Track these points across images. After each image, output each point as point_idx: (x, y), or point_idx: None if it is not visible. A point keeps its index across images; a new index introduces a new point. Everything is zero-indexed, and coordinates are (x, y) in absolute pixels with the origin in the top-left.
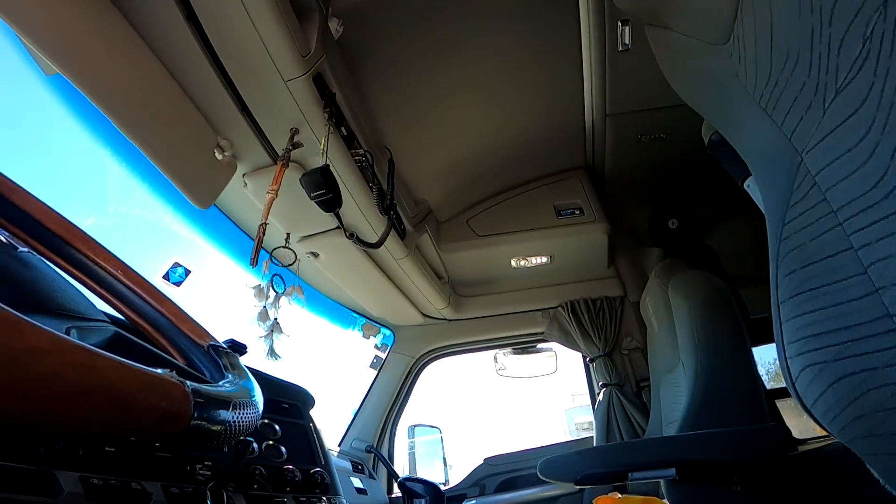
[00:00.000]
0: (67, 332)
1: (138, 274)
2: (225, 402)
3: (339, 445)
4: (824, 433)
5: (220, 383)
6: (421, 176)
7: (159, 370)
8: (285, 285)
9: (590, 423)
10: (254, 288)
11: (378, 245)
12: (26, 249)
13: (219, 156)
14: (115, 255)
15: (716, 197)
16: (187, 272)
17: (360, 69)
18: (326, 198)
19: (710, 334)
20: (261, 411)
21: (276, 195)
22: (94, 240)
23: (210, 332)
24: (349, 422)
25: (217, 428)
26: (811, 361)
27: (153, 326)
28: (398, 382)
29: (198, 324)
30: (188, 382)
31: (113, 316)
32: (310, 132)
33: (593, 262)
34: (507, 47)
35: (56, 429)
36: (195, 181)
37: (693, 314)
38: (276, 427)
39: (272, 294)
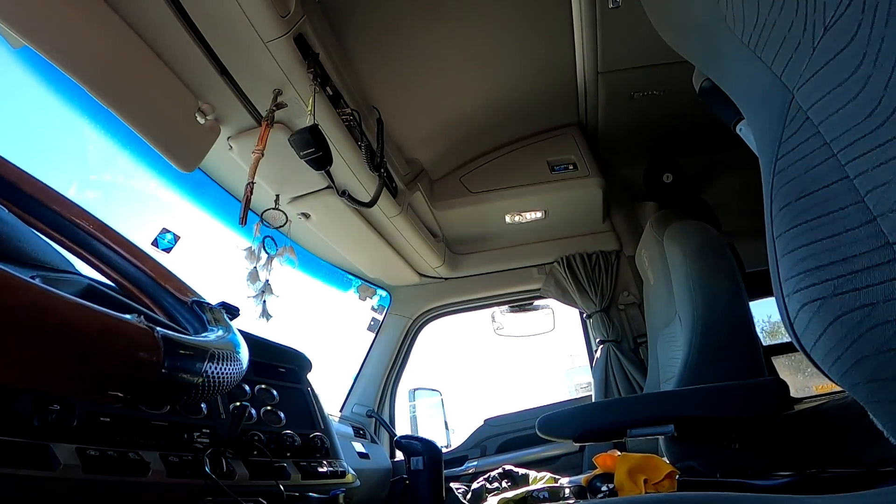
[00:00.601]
0: (31, 280)
1: (117, 233)
2: (201, 352)
3: (341, 411)
4: (821, 392)
5: (200, 335)
6: (412, 135)
7: (127, 316)
8: (277, 247)
9: (589, 383)
10: (245, 250)
11: (371, 204)
12: None
13: (201, 120)
14: (92, 215)
15: (710, 151)
16: (176, 238)
17: (344, 29)
18: (316, 156)
19: (707, 284)
20: (245, 367)
21: (262, 154)
22: (71, 200)
23: (195, 290)
24: (349, 386)
25: (194, 380)
26: (809, 298)
27: (135, 284)
28: (396, 344)
29: (181, 280)
30: (158, 329)
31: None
32: (294, 93)
33: (588, 217)
34: (497, 5)
35: (7, 379)
36: (178, 146)
37: (689, 264)
38: (274, 392)
39: (263, 256)
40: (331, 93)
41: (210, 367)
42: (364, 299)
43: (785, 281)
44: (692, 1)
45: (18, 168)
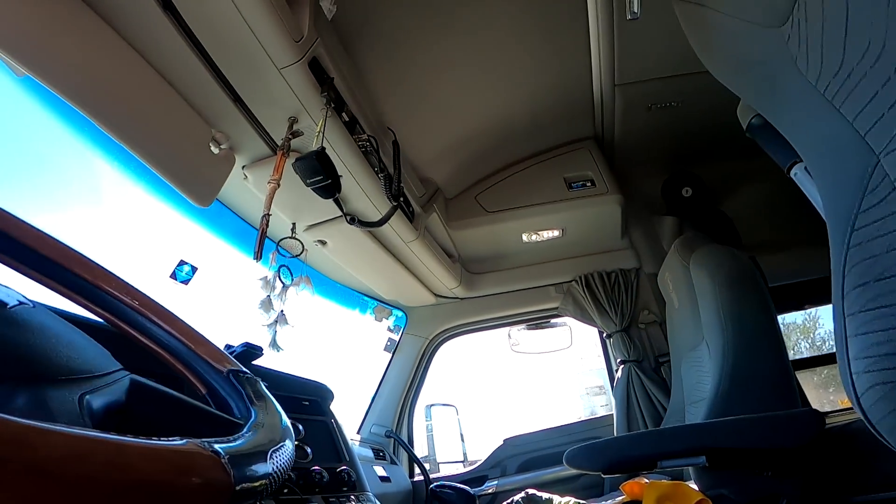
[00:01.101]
0: (81, 402)
1: (143, 294)
2: (262, 455)
3: (359, 432)
4: (847, 406)
5: (249, 431)
6: (426, 154)
7: (188, 443)
8: (292, 276)
9: (599, 387)
10: (261, 279)
11: (382, 223)
12: (15, 303)
13: (215, 150)
14: (115, 275)
15: (727, 160)
16: (194, 269)
17: (356, 48)
18: (324, 184)
19: (738, 314)
20: (293, 446)
21: (278, 185)
22: (93, 261)
23: (229, 356)
24: (367, 407)
25: (259, 484)
26: (882, 380)
27: (169, 353)
28: (413, 364)
29: (214, 346)
30: (221, 451)
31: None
32: (309, 120)
33: (606, 234)
34: (511, 17)
35: None
36: (193, 179)
37: (718, 293)
38: (300, 427)
39: (279, 285)
40: (346, 119)
41: (272, 466)
42: (380, 320)
43: (855, 360)
44: (753, 37)
45: (37, 230)
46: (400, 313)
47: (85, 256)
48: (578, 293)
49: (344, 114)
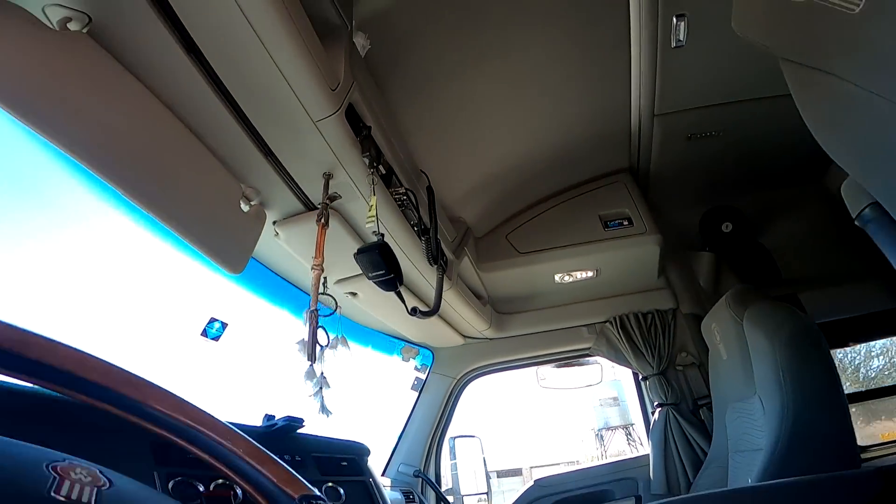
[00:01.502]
0: None
1: (202, 411)
2: None
3: (385, 472)
4: (888, 439)
5: None
6: (456, 193)
7: None
8: (328, 336)
9: (613, 398)
10: (298, 343)
11: (433, 313)
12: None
13: (245, 207)
14: (167, 392)
15: (766, 190)
16: (224, 325)
17: (387, 85)
18: (387, 278)
19: (798, 374)
20: None
21: (322, 270)
22: (141, 379)
23: (301, 479)
24: (394, 446)
25: None
26: None
27: (235, 473)
28: (441, 403)
29: (283, 466)
30: None
31: None
32: (345, 176)
33: (642, 274)
34: (548, 48)
35: None
36: (224, 244)
37: (778, 353)
38: (341, 490)
39: (317, 347)
40: (384, 171)
41: None
42: (407, 360)
43: None
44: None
45: (77, 352)
46: (427, 352)
47: (132, 374)
48: (613, 334)
49: (381, 166)
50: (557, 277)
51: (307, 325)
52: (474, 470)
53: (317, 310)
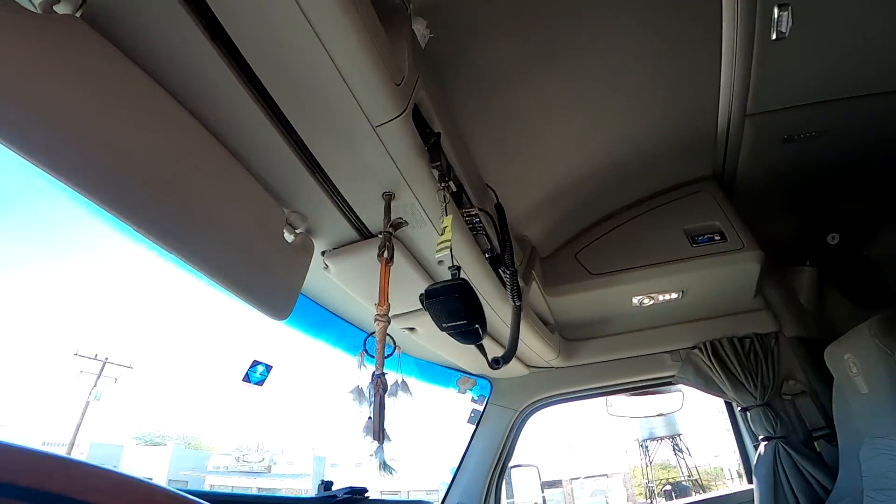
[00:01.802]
0: None
1: None
2: None
3: None
4: None
5: None
6: (520, 209)
7: None
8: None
9: None
10: (351, 392)
11: (510, 357)
12: None
13: (289, 237)
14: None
15: (871, 201)
16: (268, 368)
17: (448, 85)
18: (470, 329)
19: None
20: None
21: (388, 322)
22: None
23: None
24: (449, 482)
25: None
26: None
27: None
28: (501, 437)
29: None
30: None
31: None
32: (409, 194)
33: (737, 294)
34: (626, 42)
35: None
36: (265, 284)
37: None
38: None
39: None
40: (454, 188)
41: None
42: (464, 392)
43: None
44: None
45: (115, 474)
46: (484, 382)
47: (178, 493)
48: (702, 362)
49: (451, 181)
50: (636, 300)
51: (363, 372)
52: (533, 502)
53: (383, 375)
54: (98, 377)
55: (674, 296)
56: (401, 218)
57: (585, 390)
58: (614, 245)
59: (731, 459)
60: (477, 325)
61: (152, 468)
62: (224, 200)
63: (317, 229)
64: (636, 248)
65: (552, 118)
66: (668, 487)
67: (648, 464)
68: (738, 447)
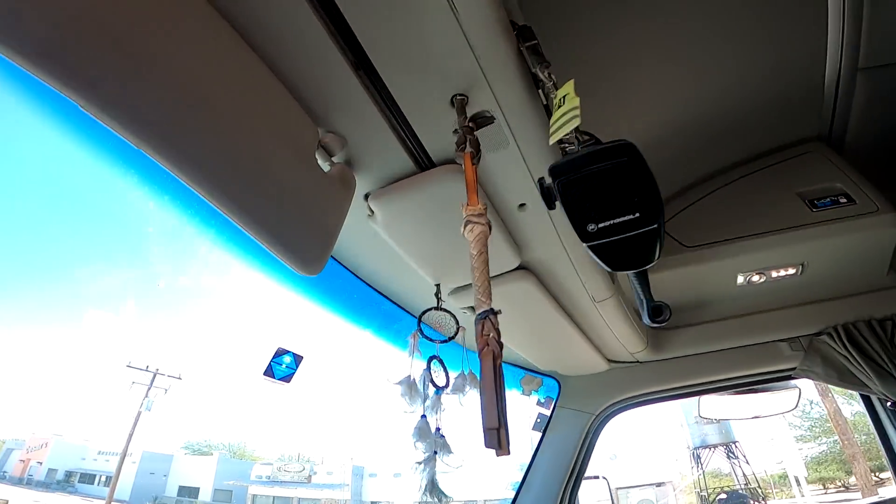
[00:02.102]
0: None
1: None
2: None
3: None
4: None
5: None
6: None
7: None
8: (446, 372)
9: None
10: (400, 384)
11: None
12: None
13: (325, 165)
14: None
15: None
16: (297, 359)
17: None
18: (645, 230)
19: None
20: None
21: (489, 225)
22: None
23: None
24: (513, 499)
25: None
26: None
27: None
28: (575, 446)
29: None
30: None
31: None
32: (487, 94)
33: (869, 268)
34: None
35: None
36: (295, 229)
37: None
38: None
39: (431, 390)
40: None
41: None
42: (528, 394)
43: None
44: None
45: None
46: (552, 381)
47: None
48: (834, 350)
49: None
50: (741, 278)
51: (411, 355)
52: None
53: (492, 312)
54: (149, 388)
55: (791, 271)
56: (487, 111)
57: (676, 388)
58: (711, 213)
59: (797, 466)
60: (657, 223)
61: (199, 477)
62: (231, 102)
63: (359, 160)
64: (739, 215)
65: (636, 69)
66: (724, 496)
67: (702, 472)
68: (884, 447)
